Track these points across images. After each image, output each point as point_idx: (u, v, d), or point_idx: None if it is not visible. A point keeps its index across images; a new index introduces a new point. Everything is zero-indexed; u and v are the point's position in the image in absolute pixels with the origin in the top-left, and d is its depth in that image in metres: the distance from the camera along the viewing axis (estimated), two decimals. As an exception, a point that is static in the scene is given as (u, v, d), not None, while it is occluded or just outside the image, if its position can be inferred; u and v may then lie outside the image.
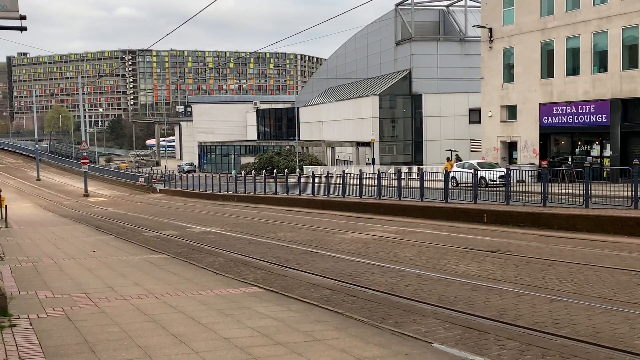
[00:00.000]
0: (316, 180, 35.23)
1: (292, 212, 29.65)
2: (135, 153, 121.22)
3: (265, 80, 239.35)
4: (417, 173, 30.30)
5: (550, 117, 35.59)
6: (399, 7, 61.61)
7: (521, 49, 37.08)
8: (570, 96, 34.29)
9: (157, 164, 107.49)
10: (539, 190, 21.36)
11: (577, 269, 11.75)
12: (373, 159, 53.25)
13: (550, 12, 35.31)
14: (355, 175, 33.35)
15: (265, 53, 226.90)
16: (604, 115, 32.55)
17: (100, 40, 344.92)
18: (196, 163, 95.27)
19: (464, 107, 57.49)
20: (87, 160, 58.00)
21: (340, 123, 67.81)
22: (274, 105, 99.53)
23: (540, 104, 36.02)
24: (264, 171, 52.05)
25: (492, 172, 29.73)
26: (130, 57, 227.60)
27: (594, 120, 33.10)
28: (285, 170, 49.36)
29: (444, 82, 58.60)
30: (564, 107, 34.69)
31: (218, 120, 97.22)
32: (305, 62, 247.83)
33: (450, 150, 48.72)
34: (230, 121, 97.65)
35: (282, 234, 19.67)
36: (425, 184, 25.98)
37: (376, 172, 31.65)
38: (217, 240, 18.89)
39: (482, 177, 27.63)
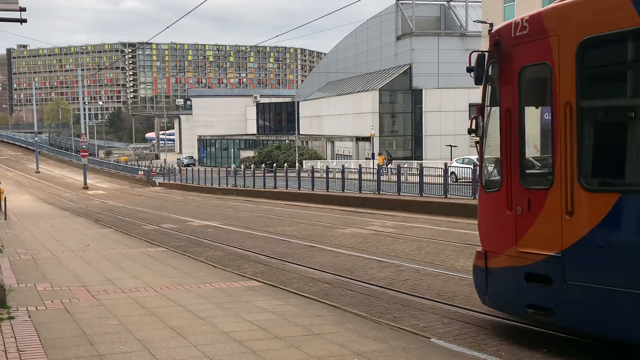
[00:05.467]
0: (316, 174, 35.21)
1: (292, 206, 29.66)
2: (134, 146, 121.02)
3: (266, 74, 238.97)
4: (417, 168, 30.28)
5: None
6: (400, 1, 61.48)
7: (522, 44, 37.01)
8: (571, 92, 34.23)
9: (157, 157, 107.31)
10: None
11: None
12: (373, 154, 53.22)
13: (551, 7, 35.24)
14: (355, 170, 33.33)
15: (266, 47, 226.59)
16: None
17: (104, 33, 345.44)
18: (196, 157, 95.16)
19: (464, 102, 57.38)
20: (87, 153, 57.90)
21: (340, 117, 67.73)
22: (274, 100, 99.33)
23: (540, 99, 35.97)
24: (263, 165, 52.03)
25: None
26: (130, 50, 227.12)
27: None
28: (285, 164, 49.33)
29: (444, 77, 58.51)
30: (564, 103, 34.65)
31: (218, 114, 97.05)
32: (305, 56, 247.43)
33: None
34: (230, 115, 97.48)
35: (281, 228, 19.69)
36: (425, 179, 25.99)
37: (375, 167, 31.63)
38: (216, 234, 18.90)
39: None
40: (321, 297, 9.38)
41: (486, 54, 7.12)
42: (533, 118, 6.93)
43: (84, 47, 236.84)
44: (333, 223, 20.81)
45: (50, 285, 10.14)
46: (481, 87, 7.31)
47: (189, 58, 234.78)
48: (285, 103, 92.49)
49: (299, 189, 35.28)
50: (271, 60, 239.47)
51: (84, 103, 73.66)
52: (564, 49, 6.21)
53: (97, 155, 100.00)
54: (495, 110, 7.16)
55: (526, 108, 6.87)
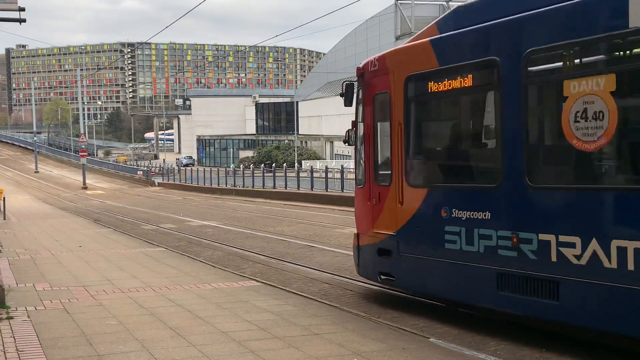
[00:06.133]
0: (315, 174, 35.22)
1: (291, 206, 29.66)
2: (133, 146, 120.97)
3: (265, 74, 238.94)
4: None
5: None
6: (399, 1, 61.47)
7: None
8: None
9: (156, 157, 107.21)
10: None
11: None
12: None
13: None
14: (354, 170, 33.33)
15: (265, 47, 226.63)
16: None
17: (104, 33, 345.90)
18: (195, 157, 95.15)
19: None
20: (86, 153, 57.85)
21: (339, 117, 67.69)
22: (273, 100, 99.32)
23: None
24: (262, 165, 52.01)
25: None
26: (129, 50, 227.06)
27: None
28: (284, 164, 49.34)
29: (443, 77, 58.44)
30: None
31: (217, 114, 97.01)
32: (304, 56, 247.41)
33: None
34: (229, 115, 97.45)
35: (280, 228, 19.69)
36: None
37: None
38: (215, 234, 18.90)
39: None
40: (320, 297, 9.38)
41: (354, 83, 9.30)
42: (382, 132, 8.92)
43: (82, 47, 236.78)
44: (332, 223, 20.81)
45: (49, 285, 10.14)
46: (353, 108, 9.51)
47: (188, 58, 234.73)
48: (285, 103, 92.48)
49: (298, 189, 35.28)
50: (270, 60, 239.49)
51: (83, 103, 73.62)
52: (397, 82, 8.35)
53: (96, 155, 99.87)
54: (361, 126, 9.35)
55: (378, 124, 8.97)
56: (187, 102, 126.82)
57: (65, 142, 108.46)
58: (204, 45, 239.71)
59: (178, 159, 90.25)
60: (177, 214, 26.64)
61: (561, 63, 6.66)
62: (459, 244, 7.38)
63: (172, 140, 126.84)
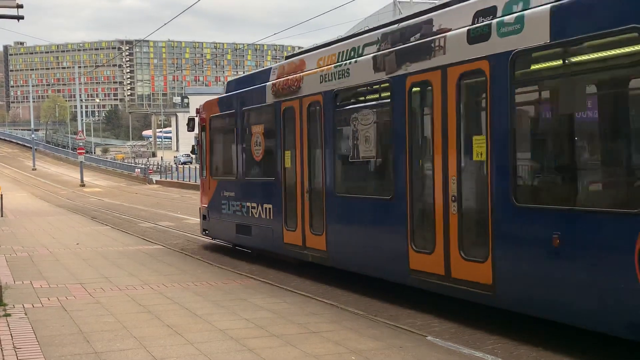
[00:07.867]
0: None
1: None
2: (131, 144, 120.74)
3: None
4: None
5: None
6: (398, 0, 61.47)
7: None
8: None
9: (154, 155, 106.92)
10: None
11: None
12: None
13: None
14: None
15: (263, 45, 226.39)
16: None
17: (104, 31, 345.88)
18: (193, 155, 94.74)
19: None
20: (83, 151, 57.65)
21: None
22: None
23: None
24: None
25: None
26: (127, 47, 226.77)
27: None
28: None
29: (441, 76, 58.41)
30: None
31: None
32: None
33: None
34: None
35: (278, 226, 19.63)
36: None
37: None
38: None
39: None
40: (318, 296, 9.38)
41: (195, 117, 15.53)
42: (204, 147, 14.92)
43: (80, 45, 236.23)
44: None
45: (46, 282, 10.13)
46: (194, 133, 16.13)
47: (187, 56, 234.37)
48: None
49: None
50: (269, 58, 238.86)
51: (81, 100, 73.45)
52: (207, 119, 14.72)
53: (94, 153, 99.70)
54: (198, 142, 15.43)
55: (203, 142, 14.93)
56: (185, 100, 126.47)
57: (63, 140, 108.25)
58: (202, 43, 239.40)
59: (176, 157, 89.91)
60: (174, 212, 26.62)
61: (250, 117, 12.87)
62: (226, 210, 13.60)
63: (170, 138, 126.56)
